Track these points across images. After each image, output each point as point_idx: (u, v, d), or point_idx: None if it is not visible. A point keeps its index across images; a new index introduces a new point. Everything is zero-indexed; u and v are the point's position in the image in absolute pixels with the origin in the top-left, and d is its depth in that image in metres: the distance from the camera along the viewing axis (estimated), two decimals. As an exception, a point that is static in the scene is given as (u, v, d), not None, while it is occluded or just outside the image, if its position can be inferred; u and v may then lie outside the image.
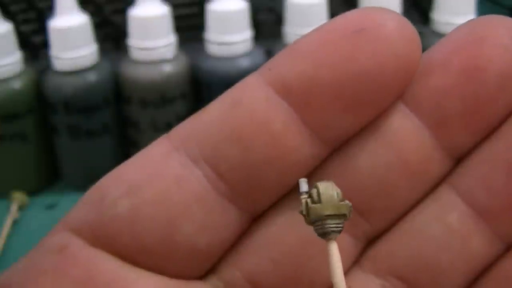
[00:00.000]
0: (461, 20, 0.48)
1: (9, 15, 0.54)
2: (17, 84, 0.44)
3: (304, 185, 0.15)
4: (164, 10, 0.43)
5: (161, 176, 0.16)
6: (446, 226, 0.17)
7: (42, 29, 0.48)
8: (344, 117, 0.16)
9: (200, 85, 0.45)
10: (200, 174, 0.16)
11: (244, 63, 0.44)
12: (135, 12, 0.43)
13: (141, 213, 0.16)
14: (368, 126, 0.17)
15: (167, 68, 0.44)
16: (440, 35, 0.48)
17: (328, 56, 0.15)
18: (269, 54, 0.46)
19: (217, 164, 0.16)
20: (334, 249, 0.15)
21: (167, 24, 0.44)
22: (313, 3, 0.45)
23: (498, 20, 0.16)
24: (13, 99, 0.43)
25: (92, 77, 0.44)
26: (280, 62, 0.16)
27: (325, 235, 0.15)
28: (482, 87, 0.15)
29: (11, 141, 0.44)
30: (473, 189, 0.16)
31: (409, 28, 0.16)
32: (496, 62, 0.15)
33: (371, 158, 0.17)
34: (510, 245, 0.17)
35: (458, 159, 0.17)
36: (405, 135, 0.16)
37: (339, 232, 0.15)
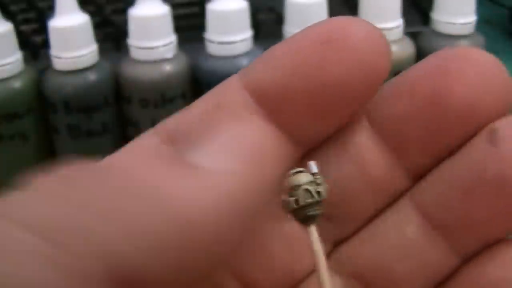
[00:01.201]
0: (461, 20, 0.49)
1: (9, 15, 0.54)
2: (17, 84, 0.44)
3: (314, 167, 0.16)
4: (164, 10, 0.43)
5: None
6: (403, 236, 0.18)
7: (42, 29, 0.48)
8: (315, 123, 0.17)
9: (200, 85, 0.45)
10: None
11: (244, 63, 0.44)
12: (135, 12, 0.43)
13: None
14: (335, 141, 0.18)
15: (167, 68, 0.44)
16: (440, 35, 0.48)
17: (299, 66, 0.16)
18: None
19: None
20: (315, 233, 0.16)
21: (167, 24, 0.44)
22: (313, 3, 0.45)
23: (468, 54, 0.17)
24: (13, 99, 0.43)
25: (92, 76, 0.44)
26: (257, 67, 0.17)
27: (306, 220, 0.16)
28: (442, 118, 0.16)
29: (11, 141, 0.44)
30: (431, 204, 0.17)
31: (377, 38, 0.16)
32: (457, 96, 0.16)
33: (336, 170, 0.18)
34: (465, 259, 0.18)
35: (418, 177, 0.18)
36: (368, 153, 0.18)
37: (318, 215, 0.16)
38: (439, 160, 0.17)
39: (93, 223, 0.12)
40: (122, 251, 0.12)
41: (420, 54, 0.48)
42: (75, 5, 0.43)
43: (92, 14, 0.44)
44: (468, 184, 0.17)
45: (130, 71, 0.44)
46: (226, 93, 0.17)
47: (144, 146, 0.17)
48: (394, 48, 0.47)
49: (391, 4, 0.46)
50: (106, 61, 0.45)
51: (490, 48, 0.50)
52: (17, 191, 0.13)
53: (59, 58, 0.43)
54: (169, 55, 0.44)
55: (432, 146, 0.17)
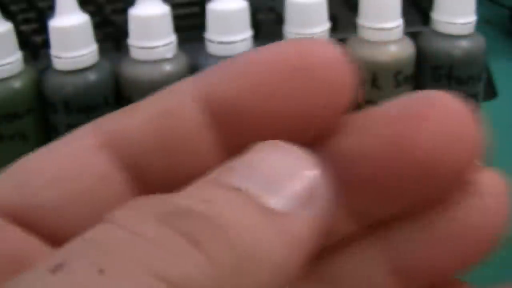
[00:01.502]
0: (461, 20, 0.49)
1: (9, 15, 0.54)
2: (17, 84, 0.44)
3: None
4: (164, 10, 0.43)
5: (87, 171, 0.16)
6: (363, 279, 0.17)
7: (42, 29, 0.48)
8: None
9: (200, 85, 0.45)
10: (124, 176, 0.16)
11: (244, 63, 0.44)
12: (136, 12, 0.43)
13: (65, 206, 0.16)
14: None
15: (167, 68, 0.44)
16: (440, 35, 0.48)
17: (263, 87, 0.15)
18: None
19: (138, 170, 0.16)
20: None
21: (167, 23, 0.44)
22: (313, 2, 0.45)
23: (439, 99, 0.16)
24: (13, 99, 0.43)
25: (92, 76, 0.44)
26: (215, 80, 0.16)
27: None
28: (404, 166, 0.15)
29: (11, 141, 0.44)
30: (399, 249, 0.17)
31: (345, 68, 0.16)
32: (420, 143, 0.15)
33: None
34: None
35: (369, 222, 0.17)
36: None
37: None
38: (398, 206, 0.16)
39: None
40: None
41: (420, 54, 0.48)
42: (75, 5, 0.43)
43: (92, 14, 0.44)
44: (447, 234, 0.16)
45: (130, 71, 0.44)
46: (175, 100, 0.16)
47: (80, 149, 0.16)
48: (394, 48, 0.47)
49: (391, 4, 0.46)
50: (106, 61, 0.45)
51: (490, 48, 0.50)
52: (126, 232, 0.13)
53: (59, 58, 0.43)
54: (169, 55, 0.44)
55: (388, 191, 0.16)
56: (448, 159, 0.15)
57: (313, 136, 0.16)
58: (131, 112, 0.16)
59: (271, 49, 0.16)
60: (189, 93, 0.16)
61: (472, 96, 0.49)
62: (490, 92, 0.57)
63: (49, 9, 0.50)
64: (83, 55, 0.43)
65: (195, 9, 0.57)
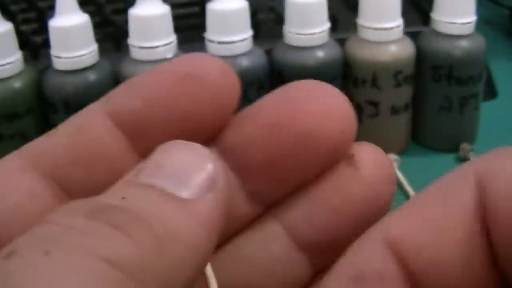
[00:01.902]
0: (461, 20, 0.49)
1: (9, 15, 0.54)
2: (17, 84, 0.44)
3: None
4: (164, 10, 0.43)
5: (18, 189, 0.18)
6: (269, 254, 0.19)
7: (42, 29, 0.48)
8: None
9: (200, 85, 0.45)
10: (51, 190, 0.18)
11: (244, 62, 0.44)
12: (136, 12, 0.43)
13: (0, 220, 0.17)
14: None
15: (167, 68, 0.44)
16: (440, 35, 0.48)
17: (157, 96, 0.17)
18: (269, 54, 0.46)
19: (64, 182, 0.18)
20: None
21: (167, 23, 0.44)
22: (313, 3, 0.45)
23: (311, 86, 0.18)
24: (13, 99, 0.43)
25: (92, 76, 0.44)
26: (119, 95, 0.18)
27: None
28: (282, 145, 0.17)
29: (11, 141, 0.44)
30: (298, 224, 0.18)
31: (228, 75, 0.18)
32: (297, 124, 0.17)
33: None
34: (319, 270, 0.19)
35: (266, 201, 0.19)
36: None
37: None
38: (288, 189, 0.18)
39: (157, 263, 0.15)
40: None
41: (420, 54, 0.48)
42: (75, 5, 0.43)
43: (92, 14, 0.44)
44: (335, 205, 0.18)
45: (130, 71, 0.44)
46: (87, 118, 0.18)
47: (9, 171, 0.18)
48: (394, 48, 0.47)
49: (391, 4, 0.46)
50: (106, 61, 0.45)
51: (490, 48, 0.50)
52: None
53: (59, 58, 0.43)
54: (169, 55, 0.44)
55: (272, 172, 0.18)
56: (324, 135, 0.17)
57: (210, 134, 0.18)
58: (51, 135, 0.18)
59: (166, 67, 0.18)
60: (98, 111, 0.18)
61: (472, 96, 0.49)
62: (490, 92, 0.57)
63: (49, 9, 0.50)
64: (83, 55, 0.43)
65: (195, 9, 0.57)
